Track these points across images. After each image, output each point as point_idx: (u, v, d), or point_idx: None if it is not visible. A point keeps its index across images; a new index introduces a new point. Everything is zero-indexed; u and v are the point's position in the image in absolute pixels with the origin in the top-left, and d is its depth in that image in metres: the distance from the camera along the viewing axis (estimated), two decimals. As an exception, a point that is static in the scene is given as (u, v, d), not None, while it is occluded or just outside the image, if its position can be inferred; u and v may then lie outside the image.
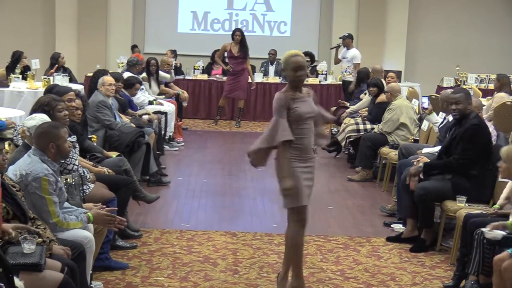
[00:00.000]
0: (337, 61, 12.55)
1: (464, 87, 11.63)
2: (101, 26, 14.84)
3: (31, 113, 4.98)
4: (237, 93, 12.43)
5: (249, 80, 12.52)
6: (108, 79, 7.51)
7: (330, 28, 15.35)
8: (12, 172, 4.09)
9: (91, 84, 7.95)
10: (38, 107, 5.04)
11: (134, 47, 13.99)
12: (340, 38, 12.29)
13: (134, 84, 9.03)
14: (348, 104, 10.34)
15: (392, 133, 8.13)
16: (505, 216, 4.79)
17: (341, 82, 12.72)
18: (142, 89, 9.59)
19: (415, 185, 5.71)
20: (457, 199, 5.48)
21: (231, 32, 12.66)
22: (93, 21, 14.70)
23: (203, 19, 15.56)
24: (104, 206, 4.50)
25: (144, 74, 10.24)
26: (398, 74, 12.67)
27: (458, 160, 5.58)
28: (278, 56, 14.18)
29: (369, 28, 14.78)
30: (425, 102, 7.54)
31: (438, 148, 6.42)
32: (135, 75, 9.59)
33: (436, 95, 10.23)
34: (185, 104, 11.43)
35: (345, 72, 12.17)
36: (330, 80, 13.35)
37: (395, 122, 8.10)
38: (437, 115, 7.37)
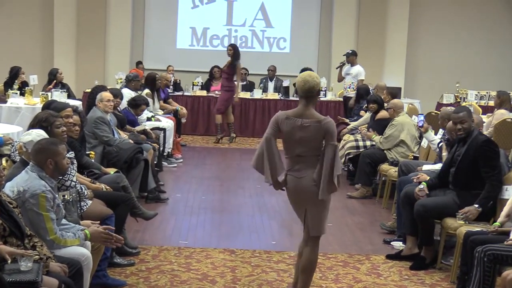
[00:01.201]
0: (341, 79, 12.56)
1: (464, 104, 11.68)
2: (99, 42, 14.91)
3: (28, 129, 4.99)
4: (218, 107, 12.29)
5: (237, 93, 12.36)
6: (106, 95, 7.53)
7: (329, 44, 15.42)
8: (10, 188, 4.09)
9: (89, 100, 7.99)
10: (36, 123, 5.06)
11: (138, 64, 14.06)
12: (344, 55, 12.31)
13: (140, 105, 9.11)
14: (347, 121, 10.37)
15: (391, 149, 8.15)
16: (506, 234, 4.79)
17: (341, 99, 12.74)
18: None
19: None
20: (457, 216, 5.48)
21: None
22: (91, 37, 14.76)
23: (202, 35, 15.63)
24: (98, 222, 4.50)
25: (147, 90, 10.25)
26: (398, 90, 12.71)
27: (495, 180, 5.49)
28: (277, 72, 14.25)
29: (368, 44, 14.84)
30: (421, 120, 7.52)
31: (438, 165, 6.43)
32: (143, 96, 9.61)
33: (436, 111, 10.27)
34: (183, 120, 11.45)
35: (349, 88, 12.17)
36: (330, 97, 13.41)
37: (395, 139, 8.12)
38: (436, 132, 7.38)
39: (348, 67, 12.25)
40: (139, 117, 9.20)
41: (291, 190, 4.67)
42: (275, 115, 4.66)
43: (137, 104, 9.09)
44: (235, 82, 12.27)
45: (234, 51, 12.05)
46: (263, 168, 4.61)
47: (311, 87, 4.55)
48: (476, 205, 5.45)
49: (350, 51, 12.23)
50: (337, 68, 12.59)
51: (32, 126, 5.06)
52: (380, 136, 8.29)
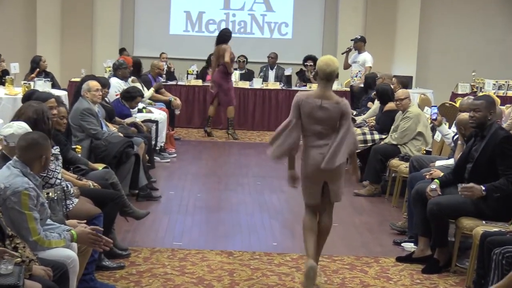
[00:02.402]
0: (347, 66, 12.56)
1: (481, 94, 11.66)
2: (86, 27, 14.90)
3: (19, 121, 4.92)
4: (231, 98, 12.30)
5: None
6: (94, 84, 7.51)
7: (335, 29, 15.41)
8: (-11, 185, 4.09)
9: (78, 90, 7.97)
10: (23, 116, 4.95)
11: (122, 51, 14.00)
12: (352, 40, 12.31)
13: (135, 97, 9.11)
14: (355, 113, 10.37)
15: (407, 143, 8.12)
16: (526, 235, 4.80)
17: (348, 88, 12.74)
18: None
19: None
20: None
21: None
22: (77, 22, 14.75)
23: (198, 20, 15.62)
24: (85, 222, 4.49)
25: (133, 77, 10.21)
26: (409, 80, 12.70)
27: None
28: (279, 60, 14.23)
29: (377, 30, 14.84)
30: (435, 113, 7.46)
31: (452, 161, 6.43)
32: (137, 87, 9.58)
33: (450, 102, 10.26)
34: (177, 112, 11.44)
35: (356, 77, 12.19)
36: (336, 86, 13.36)
37: (413, 132, 8.09)
38: (451, 125, 7.37)
39: (355, 55, 12.26)
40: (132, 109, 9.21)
41: (313, 164, 5.16)
42: (295, 97, 5.24)
43: (132, 97, 9.09)
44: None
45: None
46: (281, 146, 5.20)
47: (333, 70, 5.15)
48: (483, 187, 5.46)
49: (359, 37, 12.24)
50: (342, 54, 12.58)
51: (22, 118, 4.95)
52: (392, 133, 8.24)
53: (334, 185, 5.22)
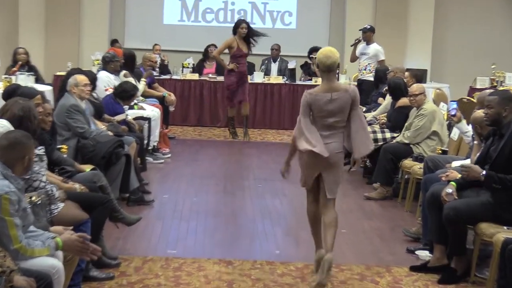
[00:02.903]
0: (354, 59, 12.55)
1: (501, 88, 11.65)
2: (73, 17, 14.91)
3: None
4: (247, 97, 12.26)
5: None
6: (82, 78, 7.50)
7: (342, 18, 15.41)
8: (-34, 189, 4.07)
9: (64, 85, 7.95)
10: (8, 113, 4.95)
11: (114, 42, 14.01)
12: (360, 30, 12.29)
13: (133, 95, 9.13)
14: (364, 109, 10.35)
15: (420, 143, 8.11)
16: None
17: (356, 83, 12.71)
18: None
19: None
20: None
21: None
22: (63, 11, 14.76)
23: (194, 9, 15.63)
24: (71, 229, 4.48)
25: (124, 71, 10.18)
26: (423, 73, 12.69)
27: None
28: (282, 52, 14.23)
29: (388, 18, 14.84)
30: (454, 108, 7.44)
31: (469, 161, 6.41)
32: (130, 82, 9.56)
33: (468, 98, 10.25)
34: (172, 108, 11.44)
35: (364, 70, 12.17)
36: (343, 80, 13.34)
37: (427, 130, 8.08)
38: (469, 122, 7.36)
39: (364, 46, 12.24)
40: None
41: (314, 154, 5.45)
42: (302, 97, 5.57)
43: (130, 95, 9.12)
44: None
45: (249, 29, 11.90)
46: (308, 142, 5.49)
47: (333, 61, 5.50)
48: (484, 172, 5.52)
49: (368, 26, 12.22)
50: (352, 46, 12.56)
51: (7, 115, 4.93)
52: (405, 131, 8.23)
53: (331, 179, 5.56)
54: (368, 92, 11.51)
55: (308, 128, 5.51)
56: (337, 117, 5.52)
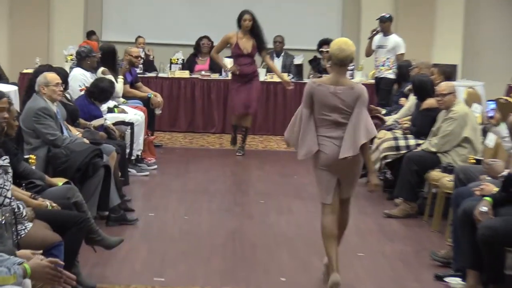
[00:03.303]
0: (370, 53, 12.53)
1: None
2: (42, 6, 14.90)
3: None
4: (253, 105, 11.74)
5: (285, 79, 12.11)
6: (53, 77, 7.49)
7: (358, 8, 15.42)
8: None
9: (31, 83, 7.95)
10: None
11: (90, 34, 14.01)
12: (377, 20, 12.28)
13: (112, 94, 9.14)
14: (383, 111, 10.35)
15: (449, 151, 8.10)
16: None
17: (373, 81, 12.72)
18: None
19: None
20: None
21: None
22: (31, 0, 14.75)
23: (184, -5, 15.64)
24: (41, 253, 4.48)
25: (102, 68, 10.17)
26: (453, 69, 12.70)
27: None
28: (286, 45, 14.24)
29: (412, 6, 14.85)
30: (492, 109, 7.43)
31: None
32: (108, 78, 9.55)
33: (506, 98, 10.24)
34: (158, 112, 11.43)
35: (382, 66, 12.16)
36: (359, 78, 13.35)
37: (457, 137, 8.07)
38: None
39: (381, 37, 12.20)
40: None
41: (329, 157, 5.83)
42: (306, 84, 5.97)
43: (110, 95, 9.14)
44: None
45: (254, 21, 11.38)
46: (296, 141, 5.94)
47: (347, 55, 5.80)
48: (505, 173, 5.75)
49: (387, 16, 12.21)
50: (369, 38, 12.54)
51: None
52: (432, 137, 8.24)
53: (350, 179, 5.98)
54: (387, 91, 11.52)
55: (304, 125, 5.83)
56: (341, 113, 5.76)
